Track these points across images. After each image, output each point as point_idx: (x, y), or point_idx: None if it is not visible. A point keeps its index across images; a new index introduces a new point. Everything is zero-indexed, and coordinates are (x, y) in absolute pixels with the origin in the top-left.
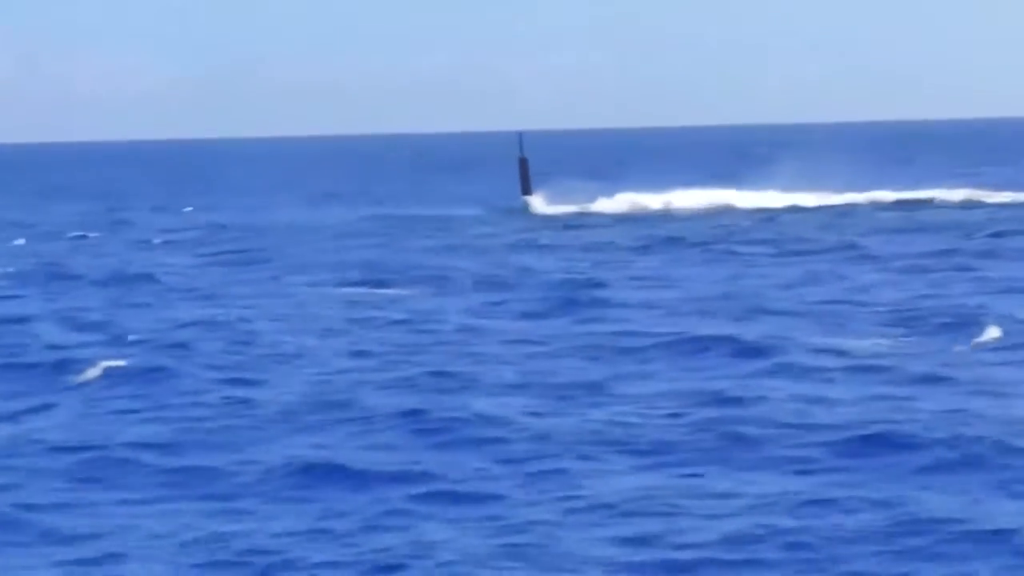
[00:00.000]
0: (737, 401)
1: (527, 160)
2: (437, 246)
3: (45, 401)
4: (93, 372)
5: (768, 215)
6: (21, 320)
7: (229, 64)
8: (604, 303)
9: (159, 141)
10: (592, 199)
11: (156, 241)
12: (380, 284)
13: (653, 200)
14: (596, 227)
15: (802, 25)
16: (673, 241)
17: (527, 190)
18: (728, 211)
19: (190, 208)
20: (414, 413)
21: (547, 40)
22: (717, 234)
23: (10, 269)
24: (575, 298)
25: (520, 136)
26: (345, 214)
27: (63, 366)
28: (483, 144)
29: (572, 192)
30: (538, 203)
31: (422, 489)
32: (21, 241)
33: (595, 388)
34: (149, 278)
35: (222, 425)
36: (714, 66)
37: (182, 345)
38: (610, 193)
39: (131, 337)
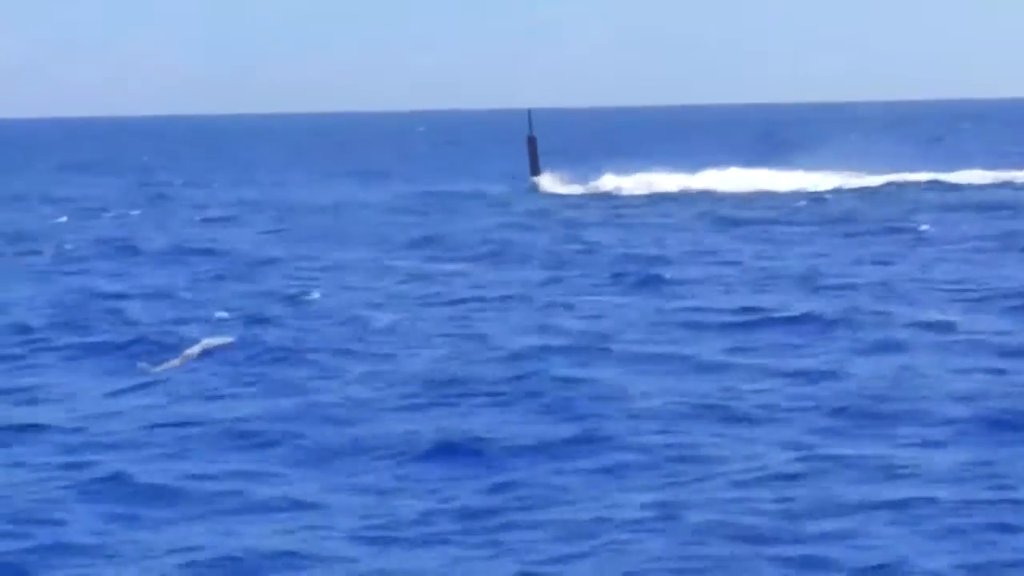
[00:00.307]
0: (838, 375)
1: (536, 139)
2: (490, 223)
3: (153, 379)
4: (192, 349)
5: (812, 196)
6: (103, 296)
7: (235, 42)
8: (677, 279)
9: (161, 117)
10: (608, 180)
11: (201, 217)
12: (446, 260)
13: (671, 180)
14: (638, 206)
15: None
16: (726, 221)
17: (536, 170)
18: (769, 192)
19: (220, 184)
20: (525, 388)
21: (558, 17)
22: (770, 215)
23: (68, 246)
24: (646, 274)
25: (529, 114)
26: (381, 190)
27: (158, 343)
28: (493, 122)
29: (583, 172)
30: (548, 183)
31: (563, 465)
32: (63, 218)
33: (696, 363)
34: (211, 253)
35: (337, 400)
36: (729, 44)
37: (272, 321)
38: (626, 172)
39: (219, 314)
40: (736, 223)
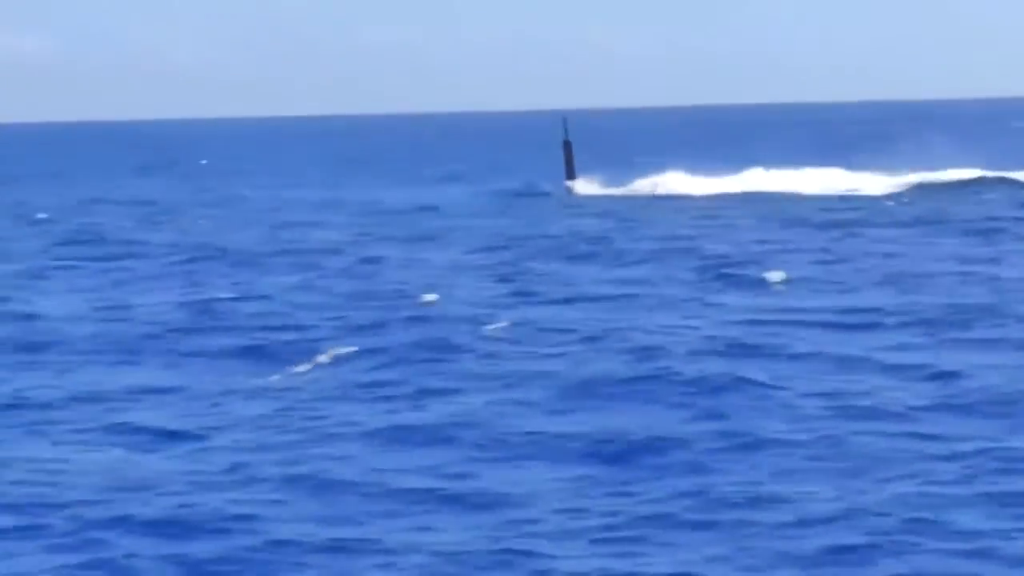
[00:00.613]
0: (969, 374)
1: (571, 143)
2: (569, 223)
3: (286, 385)
4: (321, 356)
5: (883, 196)
6: (215, 302)
7: (261, 40)
8: (783, 279)
9: (199, 120)
10: (645, 183)
11: (280, 219)
12: (540, 259)
13: (713, 183)
14: (701, 207)
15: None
16: (798, 221)
17: (571, 175)
18: (828, 192)
19: (282, 185)
20: (664, 386)
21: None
22: (852, 215)
23: (160, 250)
24: (743, 273)
25: (564, 120)
26: (441, 190)
27: (279, 348)
28: (500, 125)
29: (617, 175)
30: (582, 188)
31: (722, 464)
32: (144, 222)
33: (823, 360)
34: (306, 254)
35: (484, 403)
36: (761, 42)
37: (393, 325)
38: (661, 174)
39: (334, 317)
40: (809, 224)
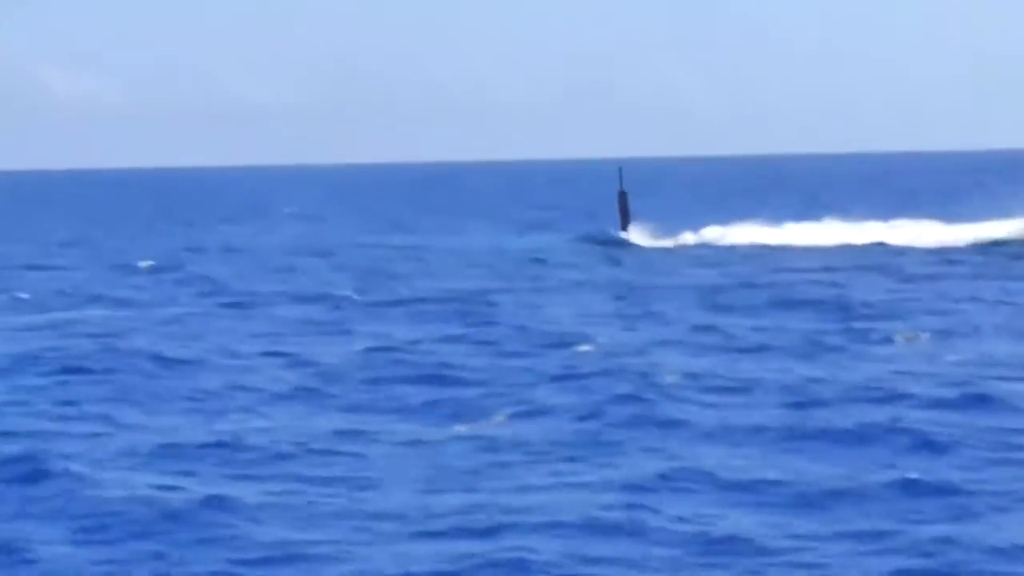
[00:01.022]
0: None
1: (627, 194)
2: (691, 274)
3: (480, 436)
4: (507, 409)
5: (970, 247)
6: (387, 350)
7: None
8: (930, 330)
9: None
10: (707, 233)
11: (387, 269)
12: (676, 306)
13: (804, 234)
14: (790, 258)
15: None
16: (925, 275)
17: (625, 226)
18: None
19: (370, 232)
20: (880, 434)
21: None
22: (964, 270)
23: (275, 299)
24: (880, 327)
25: (620, 168)
26: (536, 236)
27: (463, 401)
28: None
29: (668, 227)
30: (637, 238)
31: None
32: (257, 269)
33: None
34: (446, 302)
35: (701, 454)
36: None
37: (568, 377)
38: (723, 226)
39: (518, 369)
40: (923, 276)
